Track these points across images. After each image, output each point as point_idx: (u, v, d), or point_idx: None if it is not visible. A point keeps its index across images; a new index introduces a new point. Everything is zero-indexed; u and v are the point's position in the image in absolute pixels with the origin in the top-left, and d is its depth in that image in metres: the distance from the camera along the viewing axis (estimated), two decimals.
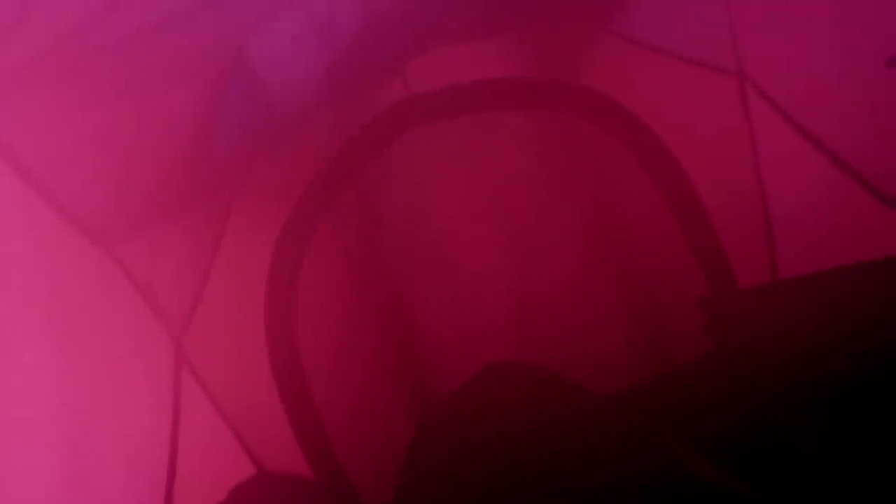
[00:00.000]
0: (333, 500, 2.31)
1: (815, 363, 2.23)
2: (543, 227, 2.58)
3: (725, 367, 2.39)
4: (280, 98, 1.95)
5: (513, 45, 2.46)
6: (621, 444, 2.29)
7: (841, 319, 2.26)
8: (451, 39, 2.30)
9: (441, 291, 2.56)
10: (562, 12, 2.32)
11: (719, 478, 2.10)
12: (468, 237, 2.56)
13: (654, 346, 2.53)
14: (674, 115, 2.48)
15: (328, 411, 2.35)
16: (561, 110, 2.55)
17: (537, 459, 2.29)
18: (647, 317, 2.55)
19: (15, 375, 1.15)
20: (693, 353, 2.47)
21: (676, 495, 2.07)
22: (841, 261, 2.28)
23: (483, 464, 2.33)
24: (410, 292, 2.56)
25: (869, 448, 2.02)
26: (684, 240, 2.54)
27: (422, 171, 2.53)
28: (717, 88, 2.36)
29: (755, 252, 2.47)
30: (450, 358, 2.56)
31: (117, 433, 1.51)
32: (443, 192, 2.55)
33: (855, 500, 1.89)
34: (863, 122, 2.16)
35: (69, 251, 1.48)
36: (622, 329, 2.55)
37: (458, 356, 2.55)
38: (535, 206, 2.59)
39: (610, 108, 2.50)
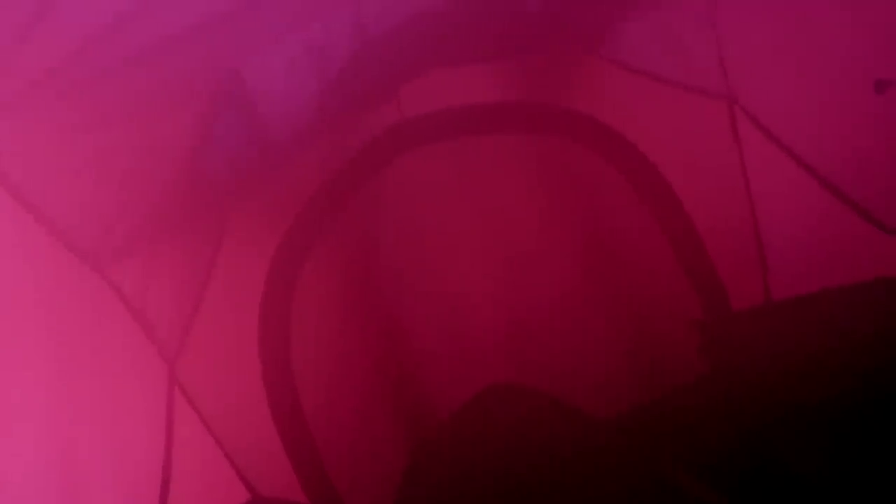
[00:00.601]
0: None
1: (811, 385, 2.23)
2: (537, 249, 2.59)
3: (722, 390, 2.39)
4: (275, 122, 1.97)
5: (504, 69, 2.50)
6: (620, 470, 2.28)
7: (835, 341, 2.27)
8: (444, 63, 2.33)
9: (436, 313, 2.56)
10: (552, 36, 2.36)
11: (718, 502, 2.09)
12: (463, 259, 2.57)
13: (650, 367, 2.53)
14: (665, 139, 2.50)
15: (323, 435, 2.34)
16: (553, 134, 2.58)
17: (536, 484, 2.28)
18: (642, 339, 2.56)
19: (9, 395, 1.15)
20: (689, 375, 2.47)
21: None
22: (832, 282, 2.29)
23: (482, 488, 2.32)
24: (406, 315, 2.56)
25: (865, 470, 2.01)
26: (678, 262, 2.56)
27: (416, 194, 2.55)
28: (707, 113, 2.40)
29: (748, 274, 2.48)
30: (446, 380, 2.55)
31: (110, 455, 1.50)
32: (437, 215, 2.57)
33: None
34: (852, 146, 2.20)
35: (65, 273, 1.48)
36: (618, 351, 2.55)
37: (453, 378, 2.55)
38: (529, 228, 2.60)
39: (601, 132, 2.53)
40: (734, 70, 2.30)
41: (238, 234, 2.24)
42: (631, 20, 2.33)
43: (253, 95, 1.85)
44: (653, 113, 2.47)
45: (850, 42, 2.07)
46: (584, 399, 2.48)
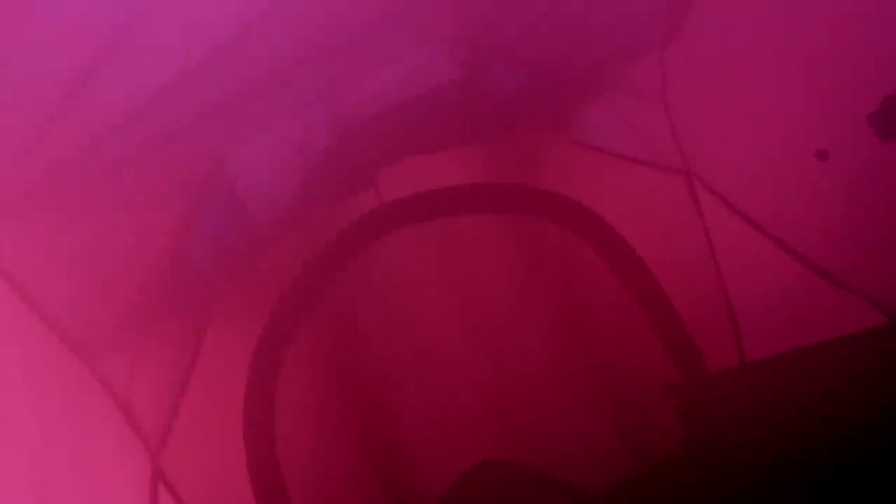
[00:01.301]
0: None
1: (789, 443, 2.26)
2: (516, 325, 2.64)
3: (705, 456, 2.41)
4: (256, 210, 2.04)
5: (476, 153, 2.62)
6: None
7: (811, 399, 2.32)
8: (419, 150, 2.44)
9: (419, 393, 2.57)
10: (520, 121, 2.50)
11: None
12: (443, 338, 2.61)
13: (632, 433, 2.55)
14: (631, 213, 2.61)
15: None
16: (525, 212, 2.68)
17: None
18: (622, 406, 2.58)
19: None
20: (671, 439, 2.49)
21: None
22: (804, 339, 2.36)
23: None
24: (389, 396, 2.56)
25: None
26: (653, 330, 2.62)
27: (396, 276, 2.60)
28: (668, 186, 2.51)
29: (721, 337, 2.55)
30: (432, 460, 2.54)
31: None
32: (417, 296, 2.62)
33: None
34: (804, 209, 2.31)
35: (54, 362, 1.50)
36: (600, 420, 2.57)
37: (440, 458, 2.53)
38: (507, 305, 2.66)
39: (571, 209, 2.63)
40: (689, 144, 2.44)
41: (222, 322, 2.27)
42: (592, 103, 2.48)
43: (235, 184, 1.93)
44: (618, 189, 2.59)
45: (794, 111, 2.22)
46: (571, 470, 2.48)
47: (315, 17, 1.58)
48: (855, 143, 2.03)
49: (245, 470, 2.36)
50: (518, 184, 2.64)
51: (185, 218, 1.89)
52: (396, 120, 2.16)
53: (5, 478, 1.22)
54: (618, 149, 2.52)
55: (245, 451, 2.36)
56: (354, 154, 2.18)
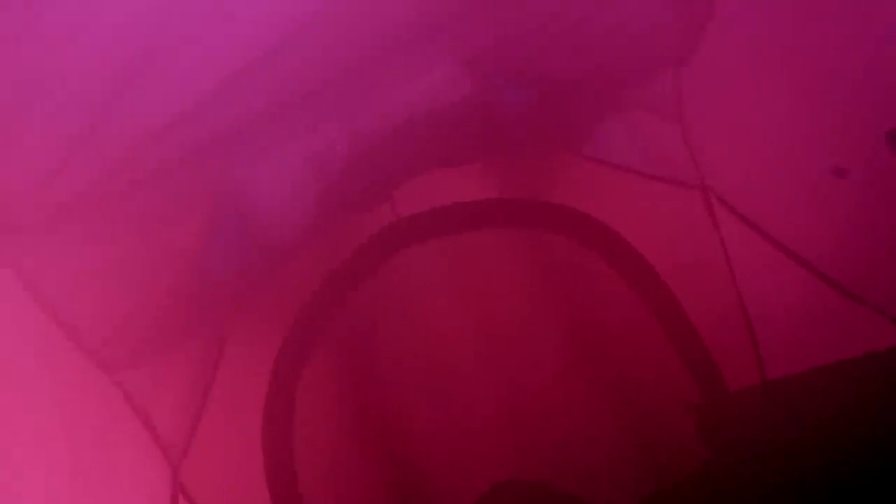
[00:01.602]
0: None
1: (811, 462, 2.24)
2: (532, 339, 2.65)
3: (726, 474, 2.39)
4: (275, 226, 2.08)
5: (492, 169, 2.64)
6: None
7: (832, 417, 2.30)
8: (435, 165, 2.47)
9: (436, 409, 2.58)
10: (536, 137, 2.51)
11: None
12: (460, 352, 2.62)
13: (651, 450, 2.53)
14: (648, 229, 2.61)
15: None
16: (542, 228, 2.69)
17: None
18: (640, 424, 2.57)
19: (20, 484, 1.18)
20: (688, 457, 2.48)
21: None
22: (824, 356, 2.34)
23: None
24: (406, 412, 2.58)
25: None
26: (670, 347, 2.61)
27: (412, 290, 2.62)
28: (684, 201, 2.51)
29: (739, 352, 2.53)
30: (450, 477, 2.54)
31: None
32: (433, 310, 2.63)
33: None
34: (822, 224, 2.30)
35: (79, 375, 1.53)
36: (617, 437, 2.56)
37: (457, 474, 2.54)
38: (524, 321, 2.67)
39: (588, 225, 2.64)
40: (705, 160, 2.44)
41: (242, 336, 2.30)
42: (607, 120, 2.49)
43: (254, 200, 1.96)
44: (634, 204, 2.59)
45: (810, 129, 2.21)
46: (588, 487, 2.47)
47: (336, 39, 1.62)
48: (872, 159, 2.03)
49: (264, 481, 2.38)
50: (533, 199, 2.66)
51: (204, 234, 1.93)
52: (413, 136, 2.18)
53: (36, 489, 1.25)
54: (633, 165, 2.53)
55: (263, 463, 2.38)
56: (372, 170, 2.21)
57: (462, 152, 2.52)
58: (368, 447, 2.53)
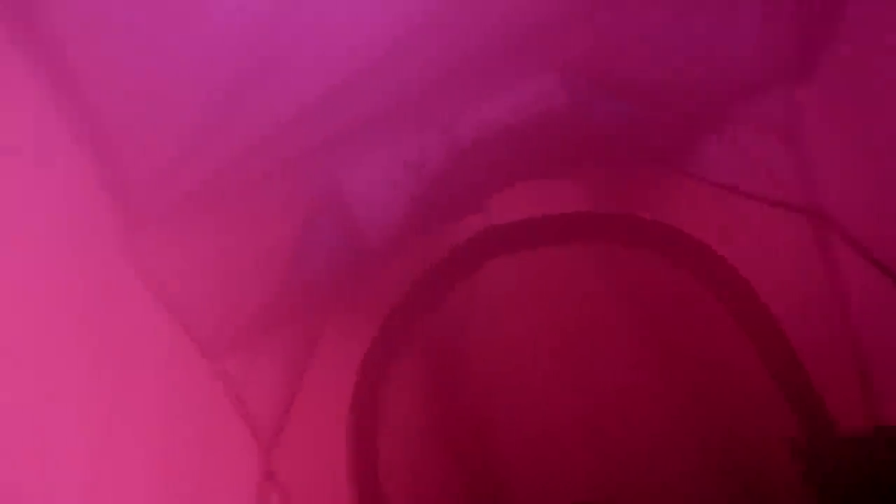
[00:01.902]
0: None
1: None
2: (619, 358, 2.59)
3: None
4: (369, 229, 2.15)
5: (589, 182, 2.61)
6: None
7: None
8: (531, 176, 2.47)
9: (516, 417, 2.58)
10: (634, 151, 2.46)
11: None
12: (544, 366, 2.60)
13: (743, 489, 2.42)
14: (751, 253, 2.49)
15: None
16: (639, 246, 2.63)
17: None
18: (733, 458, 2.46)
19: (118, 466, 1.28)
20: (789, 496, 2.34)
21: None
22: None
23: None
24: (487, 418, 2.59)
25: None
26: (772, 380, 2.47)
27: (501, 299, 2.63)
28: (792, 227, 2.38)
29: (849, 391, 2.37)
30: (526, 487, 2.53)
31: None
32: (520, 321, 2.63)
33: None
34: None
35: (182, 362, 1.65)
36: (707, 470, 2.46)
37: (533, 486, 2.52)
38: (610, 337, 2.62)
39: (684, 242, 2.56)
40: (819, 182, 2.30)
41: (332, 334, 2.39)
42: (711, 135, 2.40)
43: (352, 203, 2.03)
44: (737, 226, 2.48)
45: None
46: None
47: (441, 47, 1.65)
48: None
49: (346, 477, 2.46)
50: (626, 214, 2.60)
51: (303, 232, 2.02)
52: (508, 146, 2.19)
53: (135, 469, 1.36)
54: (738, 184, 2.42)
55: (347, 457, 2.46)
56: (465, 178, 2.24)
57: (557, 164, 2.51)
58: (450, 450, 2.56)
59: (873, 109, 2.09)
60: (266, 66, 1.35)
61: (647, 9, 1.81)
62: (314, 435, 2.38)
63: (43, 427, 1.00)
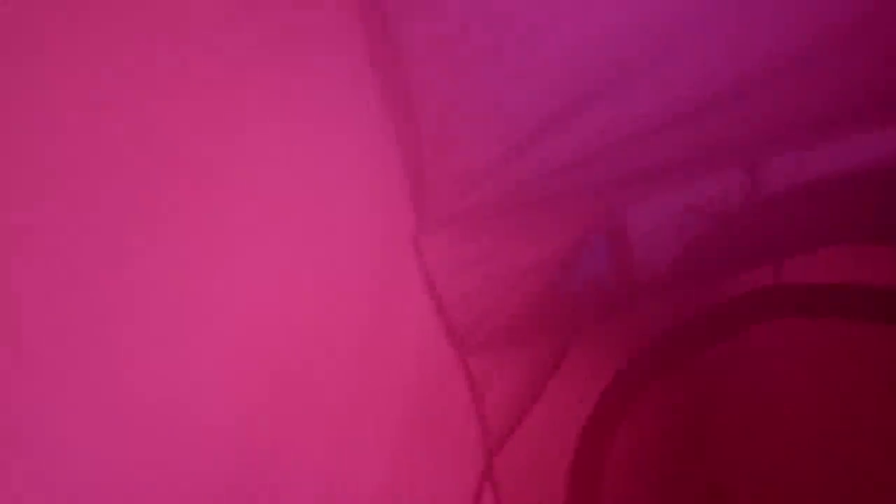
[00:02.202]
0: None
1: None
2: (888, 461, 2.19)
3: None
4: (641, 266, 2.04)
5: None
6: None
7: None
8: (842, 240, 2.16)
9: (756, 492, 2.32)
10: None
11: None
12: (798, 446, 2.30)
13: None
14: None
15: None
16: None
17: None
18: None
19: (359, 441, 1.36)
20: None
21: None
22: None
23: None
24: (722, 490, 2.36)
25: None
26: None
27: (770, 365, 2.36)
28: None
29: None
30: None
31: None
32: (786, 394, 2.34)
33: None
34: None
35: (432, 350, 1.72)
36: None
37: None
38: (884, 436, 2.22)
39: None
40: None
41: (577, 359, 2.33)
42: None
43: (630, 237, 1.94)
44: None
45: None
46: None
47: (796, 91, 1.47)
48: None
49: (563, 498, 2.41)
50: None
51: (573, 252, 1.98)
52: (819, 202, 1.93)
53: (376, 453, 1.43)
54: None
55: (567, 482, 2.41)
56: (762, 229, 2.02)
57: (873, 228, 2.16)
58: (674, 500, 2.39)
59: None
60: (601, 89, 1.29)
61: None
62: (540, 449, 2.36)
63: (304, 394, 1.03)
